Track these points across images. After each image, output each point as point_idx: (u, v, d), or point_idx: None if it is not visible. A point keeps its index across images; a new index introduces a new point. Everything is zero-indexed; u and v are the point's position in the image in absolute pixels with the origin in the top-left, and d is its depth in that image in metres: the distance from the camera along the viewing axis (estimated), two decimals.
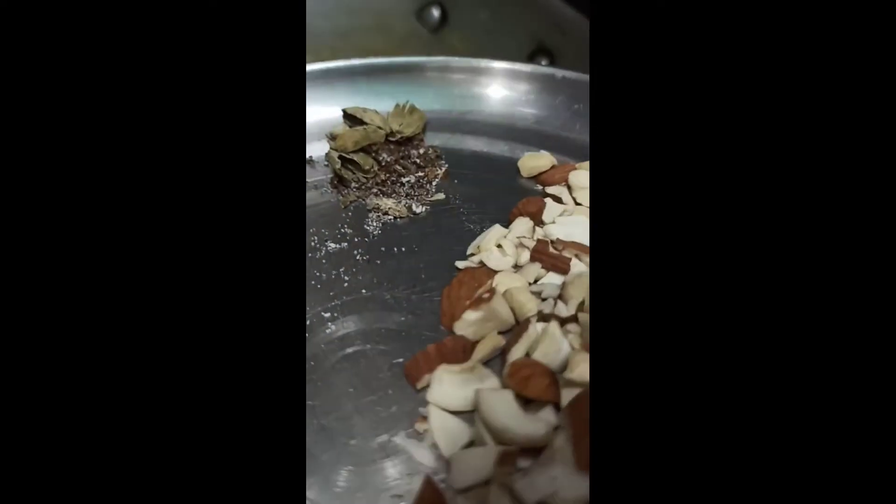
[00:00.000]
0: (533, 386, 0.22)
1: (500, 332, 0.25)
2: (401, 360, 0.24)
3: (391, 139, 0.32)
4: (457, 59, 0.34)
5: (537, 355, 0.23)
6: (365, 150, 0.31)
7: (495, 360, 0.24)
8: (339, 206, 0.30)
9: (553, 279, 0.26)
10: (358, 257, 0.28)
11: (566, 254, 0.27)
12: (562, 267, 0.26)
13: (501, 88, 0.34)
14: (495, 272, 0.27)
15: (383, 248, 0.28)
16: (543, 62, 0.41)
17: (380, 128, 0.32)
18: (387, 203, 0.30)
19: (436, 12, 0.43)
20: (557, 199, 0.30)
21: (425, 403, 0.23)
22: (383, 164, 0.31)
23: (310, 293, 0.26)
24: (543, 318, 0.24)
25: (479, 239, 0.28)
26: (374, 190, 0.31)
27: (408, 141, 0.32)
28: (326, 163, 0.32)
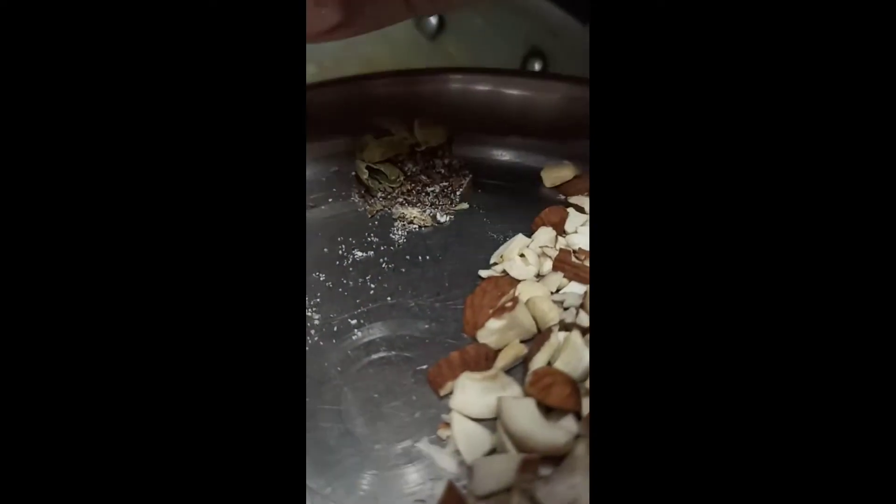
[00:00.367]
0: (554, 394, 0.22)
1: (522, 341, 0.25)
2: (424, 366, 0.25)
3: (417, 149, 0.33)
4: (479, 69, 0.35)
5: (559, 364, 0.23)
6: (391, 160, 0.32)
7: (517, 369, 0.25)
8: (365, 216, 0.31)
9: (575, 289, 0.27)
10: (383, 265, 0.29)
11: (588, 263, 0.27)
12: (584, 276, 0.27)
13: (525, 98, 0.34)
14: (518, 281, 0.27)
15: (408, 257, 0.29)
16: (537, 65, 0.42)
17: (406, 138, 0.33)
18: (412, 212, 0.30)
19: (433, 20, 0.45)
20: (580, 209, 0.30)
21: (448, 410, 0.23)
22: (409, 174, 0.32)
23: (337, 300, 0.27)
24: (565, 327, 0.25)
25: (502, 248, 0.29)
26: (400, 199, 0.31)
27: (433, 151, 0.33)
28: (354, 173, 0.32)
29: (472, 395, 0.23)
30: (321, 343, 0.26)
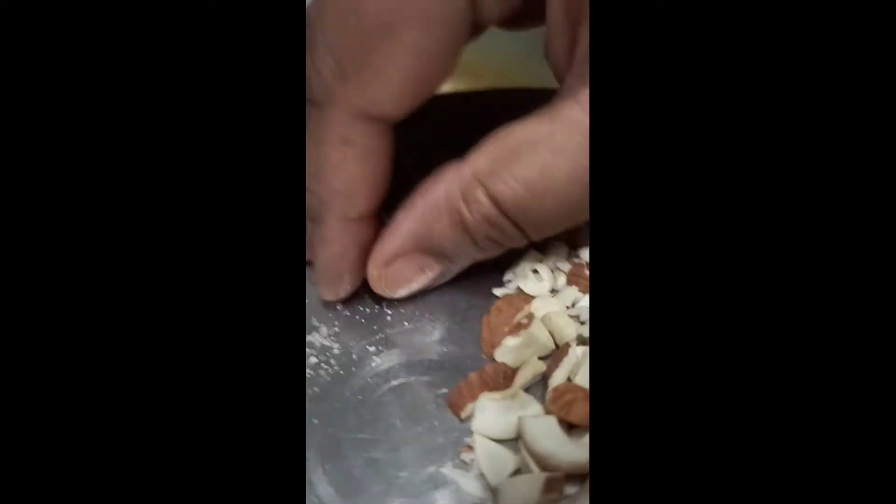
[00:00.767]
0: (576, 411, 0.22)
1: (540, 358, 0.25)
2: (444, 390, 0.25)
3: None
4: (485, 90, 0.35)
5: (579, 380, 0.23)
6: None
7: (537, 386, 0.25)
8: None
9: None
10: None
11: None
12: None
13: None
14: (532, 297, 0.27)
15: None
16: None
17: None
18: None
19: None
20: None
21: (470, 433, 0.23)
22: None
23: (355, 328, 0.27)
24: (583, 341, 0.25)
25: (514, 265, 0.29)
26: None
27: None
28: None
29: (492, 415, 0.23)
30: (341, 372, 0.26)
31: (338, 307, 0.28)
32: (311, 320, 0.28)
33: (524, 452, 0.21)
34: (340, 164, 0.23)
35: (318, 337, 0.27)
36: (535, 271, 0.28)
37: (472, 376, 0.24)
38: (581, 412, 0.22)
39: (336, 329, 0.27)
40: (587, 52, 0.20)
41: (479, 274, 0.29)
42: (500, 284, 0.28)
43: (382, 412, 0.24)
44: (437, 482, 0.22)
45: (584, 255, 0.28)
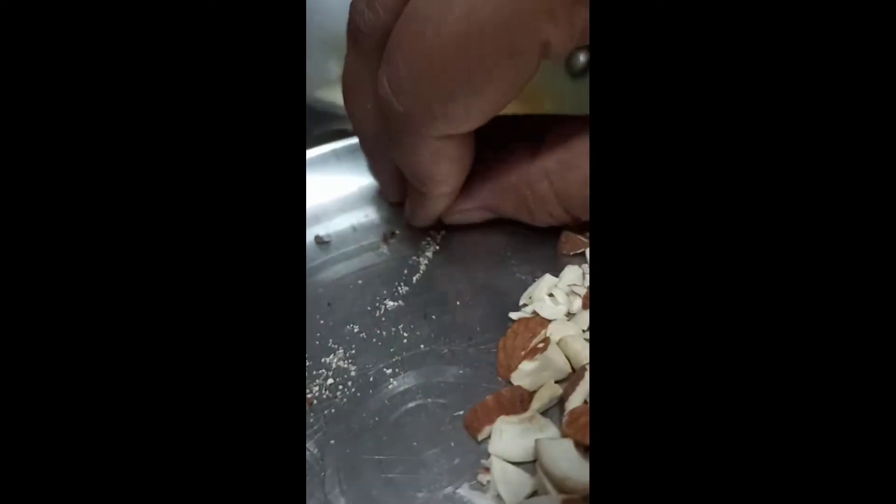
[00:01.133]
0: None
1: (556, 381, 0.25)
2: (461, 412, 0.25)
3: None
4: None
5: None
6: None
7: (554, 410, 0.25)
8: (395, 265, 0.32)
9: None
10: (415, 314, 0.29)
11: None
12: None
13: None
14: (549, 321, 0.27)
15: (439, 304, 0.29)
16: None
17: None
18: None
19: (583, 56, 0.42)
20: None
21: (487, 454, 0.23)
22: None
23: (372, 350, 0.28)
24: None
25: (530, 289, 0.29)
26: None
27: None
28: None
29: (509, 438, 0.23)
30: (358, 394, 0.26)
31: (355, 329, 0.29)
32: (328, 342, 0.28)
33: (541, 475, 0.21)
34: (431, 166, 0.27)
35: (335, 359, 0.28)
36: (551, 295, 0.29)
37: (489, 399, 0.25)
38: None
39: (353, 351, 0.28)
40: None
41: (495, 297, 0.29)
42: (516, 308, 0.29)
43: (400, 433, 0.24)
44: (455, 503, 0.22)
45: None
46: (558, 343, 0.26)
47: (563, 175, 0.28)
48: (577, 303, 0.28)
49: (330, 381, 0.27)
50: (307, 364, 0.27)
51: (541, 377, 0.25)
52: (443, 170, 0.27)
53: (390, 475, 0.23)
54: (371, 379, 0.27)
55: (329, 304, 0.30)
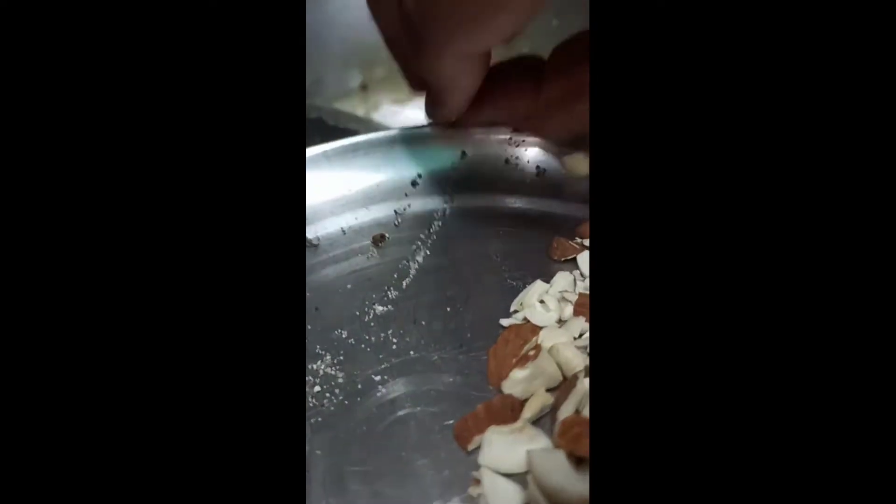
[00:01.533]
0: (585, 444, 0.22)
1: (548, 390, 0.25)
2: (451, 421, 0.24)
3: None
4: None
5: (587, 412, 0.23)
6: None
7: (545, 419, 0.24)
8: (384, 270, 0.31)
9: None
10: (404, 319, 0.29)
11: None
12: None
13: (536, 146, 0.35)
14: (540, 328, 0.27)
15: (429, 309, 0.29)
16: None
17: None
18: None
19: None
20: None
21: (477, 466, 0.23)
22: None
23: (360, 357, 0.27)
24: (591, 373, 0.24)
25: (521, 295, 0.29)
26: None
27: None
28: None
29: (500, 449, 0.23)
30: (346, 402, 0.26)
31: (343, 335, 0.28)
32: (316, 348, 0.28)
33: (533, 487, 0.21)
34: (449, 80, 0.28)
35: (323, 365, 0.27)
36: (542, 301, 0.28)
37: (479, 408, 0.24)
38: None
39: (341, 357, 0.27)
40: None
41: (485, 304, 0.29)
42: (507, 314, 0.28)
43: (388, 443, 0.24)
44: None
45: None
46: (549, 350, 0.26)
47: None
48: (569, 309, 0.28)
49: (317, 388, 0.26)
50: None
51: (532, 385, 0.25)
52: (460, 83, 0.29)
53: (377, 487, 0.23)
54: (359, 386, 0.26)
55: (317, 309, 0.29)
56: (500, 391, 0.25)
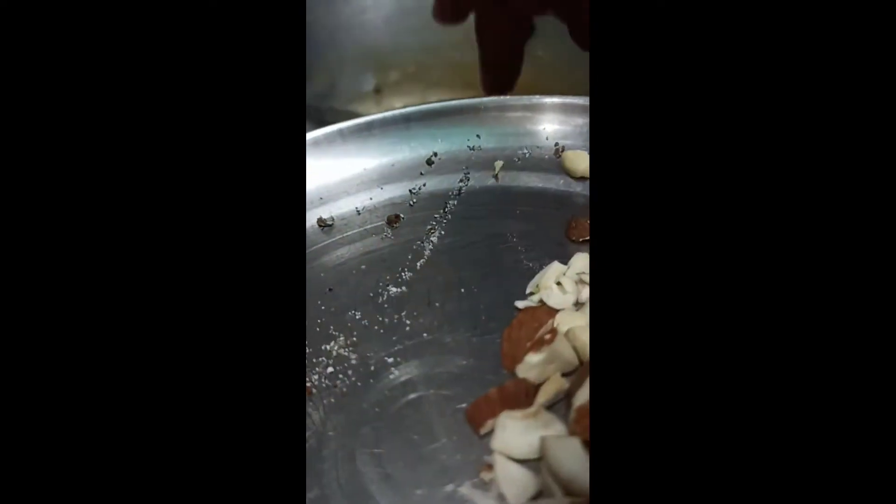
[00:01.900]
0: None
1: (563, 374, 0.24)
2: (463, 404, 0.24)
3: None
4: (511, 97, 0.35)
5: None
6: None
7: (560, 404, 0.24)
8: (399, 251, 0.31)
9: None
10: (418, 300, 0.28)
11: None
12: None
13: (555, 123, 0.34)
14: (556, 311, 0.26)
15: (443, 291, 0.29)
16: None
17: None
18: None
19: None
20: None
21: (490, 450, 0.22)
22: None
23: (373, 338, 0.27)
24: None
25: (538, 277, 0.28)
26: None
27: None
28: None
29: (513, 434, 0.22)
30: (359, 384, 0.25)
31: (357, 316, 0.28)
32: (329, 329, 0.27)
33: (546, 475, 0.21)
34: None
35: (336, 346, 0.27)
36: (559, 283, 0.27)
37: (493, 392, 0.24)
38: None
39: (354, 339, 0.27)
40: None
41: (500, 285, 0.28)
42: (523, 297, 0.28)
43: (400, 426, 0.24)
44: (455, 502, 0.21)
45: None
46: (566, 334, 0.25)
47: None
48: (586, 292, 0.27)
49: (330, 369, 0.26)
50: (307, 351, 0.27)
51: (547, 370, 0.24)
52: None
53: (389, 470, 0.22)
54: (372, 368, 0.26)
55: (330, 290, 0.29)
56: (514, 375, 0.25)
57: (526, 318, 0.26)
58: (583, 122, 0.34)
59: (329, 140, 0.34)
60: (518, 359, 0.25)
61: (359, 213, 0.32)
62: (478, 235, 0.31)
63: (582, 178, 0.32)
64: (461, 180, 0.33)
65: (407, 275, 0.29)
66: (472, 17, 0.35)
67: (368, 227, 0.32)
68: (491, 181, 0.33)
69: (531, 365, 0.24)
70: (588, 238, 0.30)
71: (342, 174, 0.33)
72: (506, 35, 0.35)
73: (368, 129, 0.34)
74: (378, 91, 0.46)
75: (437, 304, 0.28)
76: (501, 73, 0.37)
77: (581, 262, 0.28)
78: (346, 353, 0.27)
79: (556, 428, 0.22)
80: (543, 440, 0.21)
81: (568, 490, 0.20)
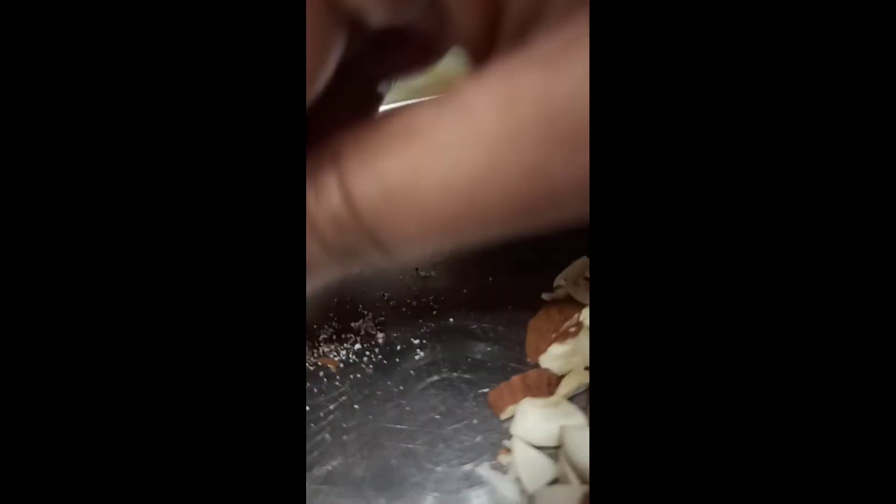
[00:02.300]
0: None
1: (586, 368, 0.25)
2: (486, 389, 0.25)
3: None
4: None
5: None
6: None
7: (581, 396, 0.24)
8: None
9: None
10: (446, 285, 0.29)
11: None
12: None
13: None
14: (583, 305, 0.27)
15: (472, 278, 0.29)
16: None
17: None
18: None
19: None
20: None
21: (509, 435, 0.23)
22: None
23: (401, 319, 0.28)
24: None
25: (565, 271, 0.29)
26: None
27: None
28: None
29: (533, 421, 0.23)
30: (385, 362, 0.26)
31: (385, 296, 0.28)
32: (359, 307, 0.28)
33: (564, 463, 0.21)
34: None
35: (364, 324, 0.27)
36: (587, 278, 0.28)
37: (515, 379, 0.24)
38: None
39: (382, 318, 0.28)
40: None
41: (528, 276, 0.29)
42: (550, 289, 0.28)
43: (423, 405, 0.24)
44: (473, 481, 0.22)
45: None
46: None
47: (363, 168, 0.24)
48: None
49: (357, 346, 0.27)
50: (336, 327, 0.27)
51: (570, 362, 0.25)
52: None
53: (410, 446, 0.23)
54: (398, 348, 0.27)
55: (361, 269, 0.30)
56: (537, 365, 0.25)
57: (552, 310, 0.27)
58: None
59: None
60: (542, 349, 0.25)
61: None
62: None
63: None
64: None
65: (437, 260, 0.30)
66: None
67: None
68: None
69: (555, 356, 0.25)
70: None
71: None
72: None
73: None
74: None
75: (464, 291, 0.28)
76: None
77: None
78: (373, 332, 0.27)
79: (577, 418, 0.23)
80: (563, 429, 0.22)
81: (585, 479, 0.21)
